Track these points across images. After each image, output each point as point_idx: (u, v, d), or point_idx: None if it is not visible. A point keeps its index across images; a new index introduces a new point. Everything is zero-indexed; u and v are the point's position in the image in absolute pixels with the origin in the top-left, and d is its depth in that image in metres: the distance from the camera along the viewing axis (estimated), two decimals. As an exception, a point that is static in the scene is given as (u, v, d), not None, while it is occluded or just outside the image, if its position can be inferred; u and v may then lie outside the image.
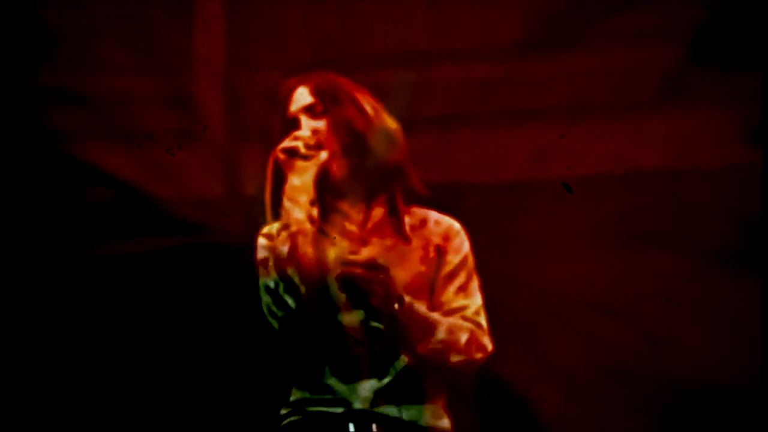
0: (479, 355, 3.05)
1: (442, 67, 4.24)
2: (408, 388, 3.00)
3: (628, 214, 4.10)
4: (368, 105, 3.16)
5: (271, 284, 2.96)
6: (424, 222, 3.16)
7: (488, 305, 3.12)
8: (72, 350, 4.22)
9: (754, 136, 4.05)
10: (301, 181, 3.01)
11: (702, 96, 4.07)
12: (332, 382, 3.00)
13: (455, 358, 3.02)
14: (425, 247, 3.11)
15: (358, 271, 2.89)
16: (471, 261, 3.14)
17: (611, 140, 4.14)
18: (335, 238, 3.08)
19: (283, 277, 2.95)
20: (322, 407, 2.99)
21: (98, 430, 4.20)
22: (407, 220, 3.14)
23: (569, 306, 3.97)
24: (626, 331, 4.05)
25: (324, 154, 3.05)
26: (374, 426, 2.96)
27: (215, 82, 4.38)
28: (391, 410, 2.98)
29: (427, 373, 3.01)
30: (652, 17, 4.13)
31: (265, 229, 3.05)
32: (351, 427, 2.96)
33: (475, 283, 3.13)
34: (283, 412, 3.08)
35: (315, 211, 3.01)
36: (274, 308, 2.97)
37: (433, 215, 3.19)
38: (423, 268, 3.09)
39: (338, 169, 3.08)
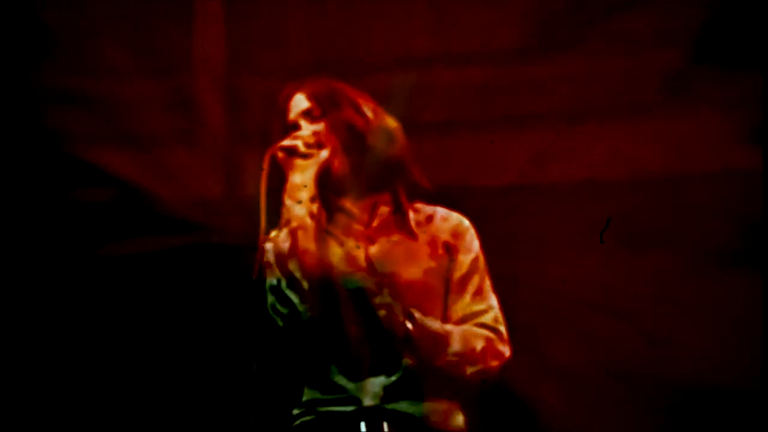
0: (495, 363, 3.06)
1: (442, 70, 4.24)
2: (418, 385, 3.00)
3: (629, 215, 4.10)
4: (366, 106, 3.16)
5: (274, 282, 2.97)
6: (430, 218, 3.16)
7: (489, 306, 3.13)
8: (73, 350, 4.22)
9: (755, 137, 4.05)
10: (301, 178, 3.02)
11: (702, 97, 4.08)
12: (340, 380, 3.00)
13: (471, 369, 3.03)
14: (433, 243, 3.11)
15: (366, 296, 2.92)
16: (482, 259, 3.15)
17: (611, 142, 4.14)
18: (340, 237, 3.09)
19: (284, 273, 2.95)
20: (334, 406, 2.99)
21: (99, 430, 4.20)
22: (413, 216, 3.14)
23: (569, 306, 3.97)
24: (626, 331, 4.05)
25: (325, 153, 3.06)
26: (385, 424, 2.96)
27: (215, 83, 4.38)
28: (402, 406, 2.98)
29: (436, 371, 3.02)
30: (652, 19, 4.13)
31: (273, 234, 3.06)
32: (363, 426, 2.96)
33: (488, 283, 3.13)
34: (295, 412, 3.08)
35: (315, 208, 3.01)
36: (278, 306, 2.97)
37: (441, 211, 3.19)
38: (433, 264, 3.09)
39: (340, 167, 3.08)
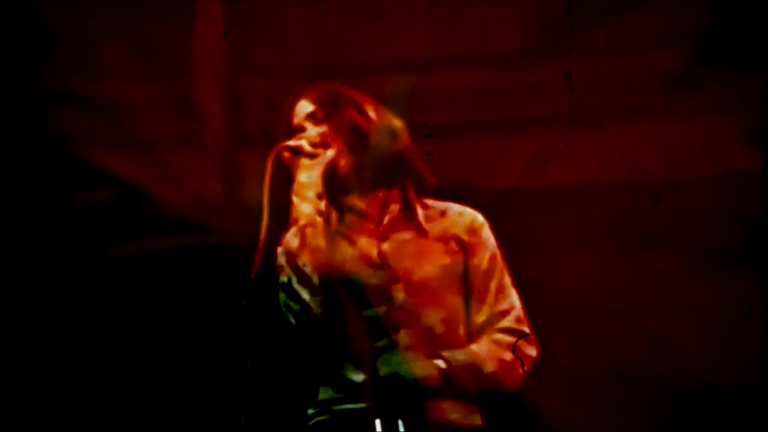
0: (527, 367, 3.09)
1: (441, 71, 4.24)
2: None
3: (629, 215, 4.10)
4: (368, 106, 3.18)
5: (285, 280, 2.98)
6: (443, 213, 3.18)
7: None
8: (74, 350, 4.22)
9: (755, 138, 4.05)
10: (308, 177, 3.03)
11: (702, 98, 4.07)
12: (354, 376, 3.00)
13: (504, 381, 3.06)
14: (446, 239, 3.12)
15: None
16: (499, 254, 3.16)
17: (611, 143, 4.14)
18: (352, 236, 3.10)
19: (294, 269, 2.96)
20: (349, 404, 3.00)
21: (99, 430, 4.20)
22: (423, 212, 3.15)
23: (569, 306, 3.97)
24: (626, 331, 4.05)
25: (331, 152, 3.07)
26: (400, 423, 2.96)
27: (215, 84, 4.38)
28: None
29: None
30: (652, 19, 4.13)
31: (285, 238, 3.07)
32: (378, 425, 2.96)
33: (508, 279, 3.15)
34: (310, 411, 3.08)
35: (323, 205, 3.02)
36: (290, 303, 2.98)
37: (454, 207, 3.20)
38: (448, 260, 3.10)
39: (346, 166, 3.09)
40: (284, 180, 3.07)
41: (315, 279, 2.95)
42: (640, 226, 4.11)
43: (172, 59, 4.34)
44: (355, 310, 3.00)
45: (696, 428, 4.00)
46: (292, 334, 3.07)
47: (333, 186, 3.08)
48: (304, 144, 3.07)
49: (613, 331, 4.05)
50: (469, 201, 3.46)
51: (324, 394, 3.06)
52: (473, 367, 3.00)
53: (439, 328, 3.04)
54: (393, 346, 3.00)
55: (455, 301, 3.08)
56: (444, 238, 3.12)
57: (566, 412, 3.93)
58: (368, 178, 3.12)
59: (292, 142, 3.08)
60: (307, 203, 3.01)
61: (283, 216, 3.06)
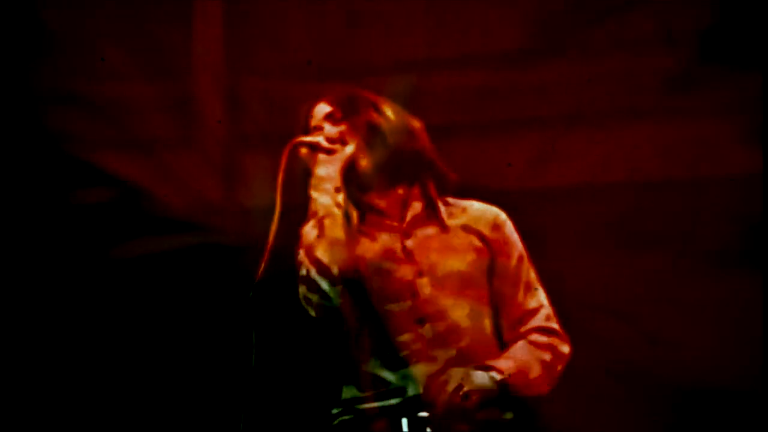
0: (561, 366, 3.11)
1: (441, 71, 4.24)
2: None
3: (629, 215, 4.11)
4: (387, 107, 3.19)
5: (304, 272, 2.98)
6: (465, 210, 3.18)
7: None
8: (74, 350, 4.22)
9: (755, 138, 4.05)
10: (326, 171, 3.04)
11: (702, 98, 4.08)
12: (382, 372, 3.01)
13: (547, 381, 3.08)
14: (469, 235, 3.13)
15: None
16: (525, 252, 3.17)
17: (612, 144, 4.14)
18: (374, 233, 3.11)
19: (313, 260, 2.96)
20: (377, 402, 3.00)
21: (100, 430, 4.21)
22: (445, 209, 3.16)
23: (569, 306, 3.97)
24: (626, 331, 4.05)
25: (350, 148, 3.08)
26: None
27: (215, 84, 4.38)
28: None
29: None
30: (652, 20, 4.13)
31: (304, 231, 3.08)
32: (404, 424, 2.96)
33: (534, 275, 3.15)
34: (334, 411, 3.09)
35: (341, 198, 3.03)
36: (309, 295, 2.98)
37: (476, 204, 3.21)
38: (473, 256, 3.10)
39: (365, 164, 3.10)
40: (296, 172, 3.07)
41: (334, 269, 2.95)
42: (640, 226, 4.11)
43: (172, 59, 4.34)
44: (378, 304, 3.01)
45: (696, 428, 4.00)
46: (313, 333, 3.08)
47: (352, 183, 3.09)
48: (321, 140, 3.08)
49: (613, 331, 4.05)
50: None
51: (348, 393, 3.06)
52: (522, 374, 3.01)
53: (465, 323, 3.04)
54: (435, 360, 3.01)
55: (481, 296, 3.08)
56: (467, 235, 3.13)
57: (566, 412, 3.93)
58: (387, 177, 3.13)
59: (308, 138, 3.09)
60: (325, 196, 3.01)
61: (288, 216, 3.06)
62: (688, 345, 4.00)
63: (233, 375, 4.01)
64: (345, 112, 3.15)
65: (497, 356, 3.03)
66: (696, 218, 4.06)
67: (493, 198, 3.26)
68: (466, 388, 2.91)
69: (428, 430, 2.94)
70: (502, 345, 3.09)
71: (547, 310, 3.14)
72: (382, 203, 3.15)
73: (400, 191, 3.16)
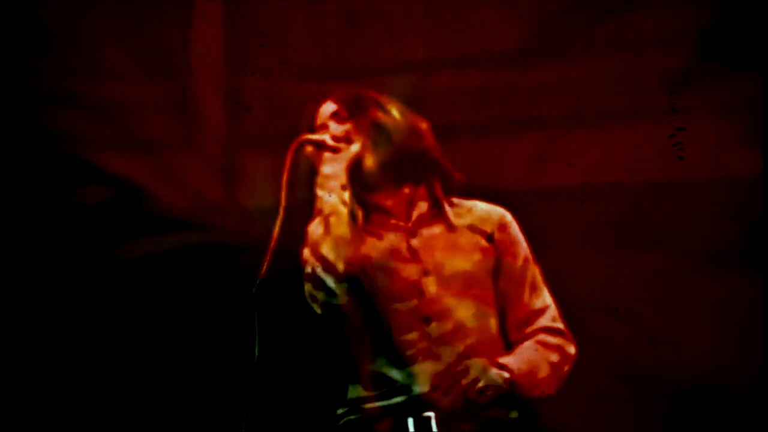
0: (567, 367, 3.13)
1: (441, 72, 4.24)
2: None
3: (629, 216, 4.11)
4: (393, 107, 3.19)
5: (309, 270, 2.98)
6: (471, 210, 3.19)
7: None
8: (74, 351, 4.22)
9: (755, 138, 4.05)
10: (332, 169, 3.05)
11: (702, 98, 4.07)
12: (386, 370, 3.01)
13: (554, 381, 3.10)
14: (475, 235, 3.13)
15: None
16: (529, 250, 3.18)
17: (611, 144, 4.14)
18: (380, 232, 3.11)
19: (318, 257, 2.97)
20: (383, 401, 3.00)
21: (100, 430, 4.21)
22: (451, 209, 3.16)
23: (569, 306, 3.97)
24: (626, 331, 4.05)
25: (356, 146, 3.08)
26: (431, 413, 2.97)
27: (215, 84, 4.38)
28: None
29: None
30: (652, 20, 4.13)
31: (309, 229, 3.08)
32: (410, 423, 2.96)
33: (539, 276, 3.16)
34: (340, 411, 3.09)
35: (347, 196, 3.03)
36: (314, 292, 2.99)
37: (481, 204, 3.22)
38: (479, 256, 3.11)
39: (371, 163, 3.10)
40: (302, 170, 3.07)
41: (339, 266, 2.96)
42: (640, 226, 4.11)
43: (172, 59, 4.34)
44: (384, 303, 3.02)
45: (696, 428, 4.00)
46: (318, 332, 3.08)
47: (357, 181, 3.09)
48: (327, 138, 3.08)
49: (613, 331, 4.05)
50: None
51: (354, 392, 3.06)
52: (531, 374, 3.02)
53: (470, 322, 3.05)
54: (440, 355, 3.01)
55: (486, 296, 3.09)
56: (473, 234, 3.14)
57: (566, 412, 3.93)
58: (393, 176, 3.13)
59: (314, 136, 3.09)
60: (331, 194, 3.02)
61: (291, 216, 3.06)
62: (688, 345, 4.00)
63: (237, 375, 4.01)
64: (351, 111, 3.15)
65: (503, 356, 3.03)
66: (696, 218, 4.05)
67: (493, 198, 3.27)
68: (482, 383, 2.92)
69: (434, 429, 2.95)
70: (508, 345, 3.09)
71: (553, 310, 3.15)
72: (388, 202, 3.15)
73: (406, 191, 3.16)
